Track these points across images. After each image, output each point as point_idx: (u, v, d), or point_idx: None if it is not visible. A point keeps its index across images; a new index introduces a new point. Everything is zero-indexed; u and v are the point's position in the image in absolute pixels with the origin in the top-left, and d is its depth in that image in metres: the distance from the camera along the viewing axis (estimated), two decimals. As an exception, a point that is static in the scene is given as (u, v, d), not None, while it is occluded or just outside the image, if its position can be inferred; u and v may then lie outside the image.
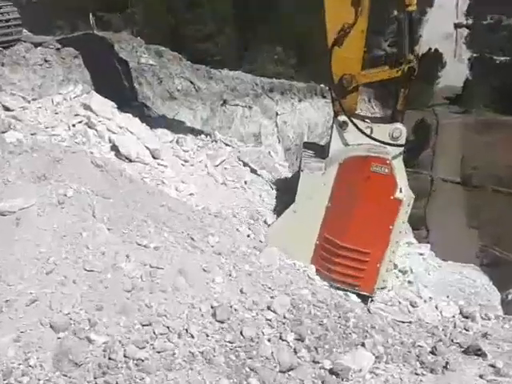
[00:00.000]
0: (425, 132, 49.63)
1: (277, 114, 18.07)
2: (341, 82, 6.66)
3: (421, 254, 8.79)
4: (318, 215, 6.74)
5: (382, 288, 6.89)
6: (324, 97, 19.61)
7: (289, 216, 6.83)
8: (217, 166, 8.21)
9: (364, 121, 6.87)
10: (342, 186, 6.63)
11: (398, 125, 6.74)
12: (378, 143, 6.69)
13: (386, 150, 6.65)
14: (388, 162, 6.48)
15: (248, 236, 6.44)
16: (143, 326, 4.39)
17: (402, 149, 6.76)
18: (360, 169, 6.55)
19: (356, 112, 6.94)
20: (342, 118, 6.72)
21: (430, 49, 58.95)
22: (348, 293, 6.63)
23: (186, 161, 7.84)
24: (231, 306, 4.85)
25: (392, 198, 6.54)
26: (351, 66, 6.61)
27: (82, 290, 4.44)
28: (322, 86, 19.99)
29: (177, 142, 8.39)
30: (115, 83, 11.89)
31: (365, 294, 6.76)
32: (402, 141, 6.73)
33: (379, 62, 7.41)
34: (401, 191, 6.57)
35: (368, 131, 6.72)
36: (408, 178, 6.86)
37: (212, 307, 4.75)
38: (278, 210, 7.43)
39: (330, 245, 6.76)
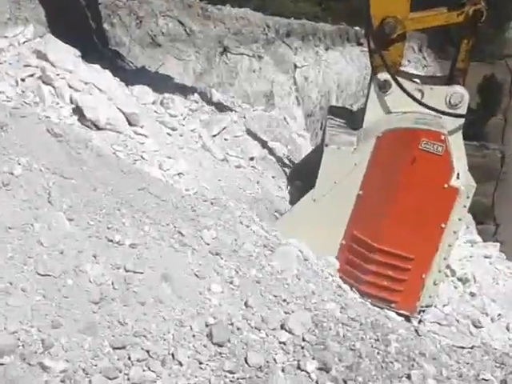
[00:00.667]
0: (494, 92, 49.34)
1: (295, 66, 17.99)
2: (382, 28, 6.66)
3: (487, 257, 8.83)
4: (345, 206, 6.76)
5: (427, 306, 6.91)
6: (360, 44, 19.47)
7: (306, 206, 6.85)
8: (214, 136, 8.22)
9: (413, 81, 6.87)
10: (379, 168, 6.65)
11: (458, 88, 6.76)
12: (430, 112, 6.68)
13: (441, 121, 6.65)
14: (443, 137, 6.49)
15: (254, 231, 6.45)
16: (115, 349, 4.40)
17: (462, 120, 6.77)
18: (405, 146, 6.57)
19: (401, 68, 6.94)
20: (383, 75, 6.74)
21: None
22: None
23: (173, 129, 7.85)
24: (232, 324, 4.87)
25: (446, 186, 6.57)
26: (396, 6, 6.62)
27: (34, 301, 4.45)
28: (357, 28, 19.87)
29: (161, 103, 8.40)
30: (78, 24, 11.85)
31: (404, 313, 6.79)
32: (463, 109, 6.76)
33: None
34: (458, 177, 6.58)
35: (418, 95, 6.71)
36: (469, 156, 6.86)
37: (207, 325, 4.77)
38: (295, 197, 7.44)
39: (360, 246, 6.79)
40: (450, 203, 6.61)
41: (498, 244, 9.71)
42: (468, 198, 6.70)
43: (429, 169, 6.53)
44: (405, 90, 6.69)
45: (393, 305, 6.68)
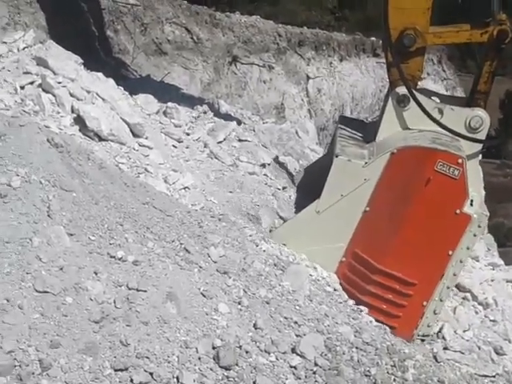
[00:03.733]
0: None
1: (308, 77, 18.00)
2: (401, 40, 6.68)
3: (509, 282, 8.79)
4: (349, 222, 6.75)
5: (425, 335, 6.90)
6: (376, 55, 19.49)
7: (308, 217, 6.83)
8: (221, 142, 8.21)
9: (432, 98, 6.88)
10: (390, 185, 6.65)
11: (480, 111, 6.75)
12: (448, 133, 6.70)
13: (460, 144, 6.65)
14: (461, 161, 6.48)
15: (264, 250, 6.45)
16: (116, 371, 4.41)
17: (480, 146, 6.77)
18: (420, 165, 6.57)
19: (421, 81, 6.95)
20: (403, 90, 6.74)
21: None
22: None
23: (178, 140, 7.86)
24: (240, 347, 4.87)
25: (458, 212, 6.56)
26: (416, 18, 6.63)
27: (32, 319, 4.47)
28: (373, 39, 19.92)
29: (164, 113, 8.41)
30: (81, 30, 11.92)
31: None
32: (483, 134, 6.77)
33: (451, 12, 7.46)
34: (471, 204, 6.56)
35: (437, 114, 6.72)
36: (490, 176, 6.87)
37: (214, 348, 4.78)
38: (298, 206, 7.44)
39: (361, 265, 6.77)
40: (460, 230, 6.59)
41: (522, 267, 9.68)
42: (479, 227, 6.69)
43: (442, 192, 6.52)
44: (422, 108, 6.69)
45: (389, 330, 6.65)
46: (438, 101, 7.01)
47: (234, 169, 7.83)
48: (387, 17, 6.61)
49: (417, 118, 6.75)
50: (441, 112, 6.72)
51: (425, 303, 6.76)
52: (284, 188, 7.89)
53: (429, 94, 7.15)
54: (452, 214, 6.54)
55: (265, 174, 7.98)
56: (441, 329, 7.05)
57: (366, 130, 7.41)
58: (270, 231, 7.01)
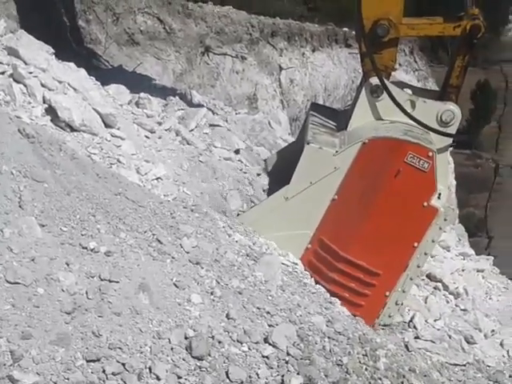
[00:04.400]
0: (488, 99, 49.63)
1: (281, 68, 18.04)
2: (374, 31, 6.69)
3: (480, 271, 8.88)
4: (317, 209, 6.77)
5: (385, 325, 6.95)
6: (349, 45, 19.56)
7: (276, 202, 6.86)
8: (192, 130, 8.18)
9: (404, 90, 6.91)
10: (359, 175, 6.68)
11: (452, 105, 6.80)
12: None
13: (430, 137, 6.69)
14: (431, 154, 6.53)
15: (237, 241, 6.46)
16: (88, 361, 4.39)
17: (450, 140, 6.82)
18: (390, 156, 6.61)
19: (393, 72, 6.97)
20: (376, 80, 6.76)
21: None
22: None
23: (151, 131, 7.84)
24: (213, 337, 4.88)
25: (425, 204, 6.62)
26: (389, 8, 6.65)
27: (3, 311, 4.43)
28: (345, 29, 19.96)
29: (136, 103, 8.38)
30: (52, 19, 11.85)
31: None
32: (453, 129, 6.81)
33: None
34: (439, 198, 6.61)
35: (409, 106, 6.75)
36: (461, 166, 6.94)
37: (186, 338, 4.78)
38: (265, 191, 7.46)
39: (326, 253, 6.81)
40: (426, 223, 6.64)
41: (492, 258, 9.77)
42: (445, 220, 6.76)
43: (411, 184, 6.57)
44: (394, 99, 6.72)
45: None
46: (411, 93, 7.04)
47: (209, 154, 7.82)
48: (360, 6, 6.62)
49: (389, 108, 6.78)
50: (413, 104, 6.76)
51: (387, 293, 6.81)
52: (259, 175, 7.88)
53: (402, 85, 7.18)
54: (419, 206, 6.58)
55: (239, 160, 7.97)
56: (412, 318, 7.11)
57: (338, 119, 7.43)
58: (238, 215, 7.02)
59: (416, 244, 6.68)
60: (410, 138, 6.56)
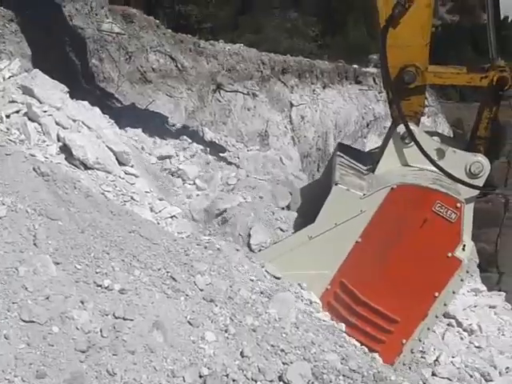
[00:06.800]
0: (497, 133, 49.62)
1: (291, 105, 18.08)
2: (401, 77, 6.65)
3: (492, 307, 8.81)
4: (340, 251, 6.72)
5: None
6: (359, 82, 19.61)
7: (300, 241, 6.79)
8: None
9: (433, 138, 6.87)
10: (385, 220, 6.62)
11: (480, 157, 6.75)
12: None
13: (458, 187, 6.65)
14: (459, 205, 6.47)
15: (251, 280, 6.42)
16: (103, 401, 4.37)
17: (477, 192, 6.78)
18: (417, 204, 6.55)
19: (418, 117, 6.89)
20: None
21: (506, 17, 59.25)
22: None
23: (165, 170, 7.86)
24: (227, 375, 4.84)
25: (449, 255, 6.55)
26: (415, 54, 6.63)
27: (18, 349, 4.42)
28: (355, 66, 20.03)
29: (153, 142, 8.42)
30: (66, 59, 11.93)
31: None
32: (481, 180, 6.75)
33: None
34: (463, 249, 6.56)
35: (437, 155, 6.70)
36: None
37: (201, 376, 4.74)
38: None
39: (346, 295, 6.74)
40: (449, 273, 6.58)
41: (504, 294, 9.70)
42: (467, 272, 6.72)
43: (436, 233, 6.51)
44: (421, 149, 6.66)
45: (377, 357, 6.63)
46: (439, 141, 6.98)
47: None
48: (385, 55, 6.59)
49: (418, 155, 6.73)
50: (442, 153, 6.70)
51: (404, 341, 6.73)
52: (273, 213, 7.83)
53: (431, 133, 7.15)
54: (444, 256, 6.52)
55: (254, 197, 7.93)
56: (438, 357, 7.05)
57: (364, 161, 7.38)
58: (259, 251, 6.97)
59: (437, 294, 6.61)
60: (439, 187, 6.51)
